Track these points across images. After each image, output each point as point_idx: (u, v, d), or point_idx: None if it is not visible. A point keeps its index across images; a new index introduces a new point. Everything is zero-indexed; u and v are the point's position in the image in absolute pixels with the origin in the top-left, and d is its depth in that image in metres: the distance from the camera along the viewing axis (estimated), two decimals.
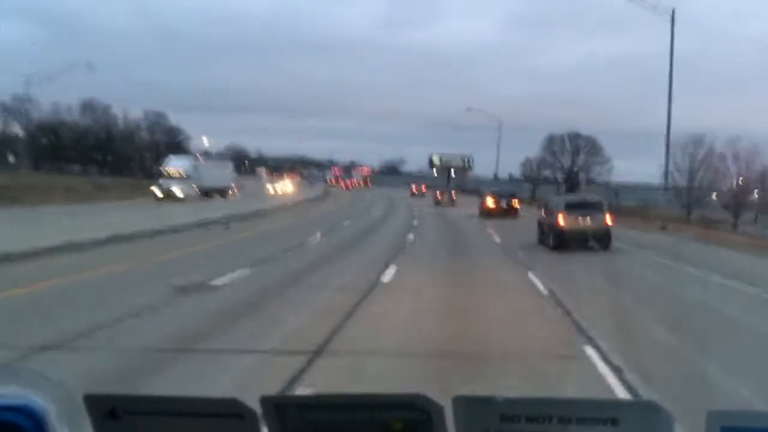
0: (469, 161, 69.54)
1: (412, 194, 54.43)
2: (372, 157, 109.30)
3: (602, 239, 15.68)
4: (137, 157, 59.77)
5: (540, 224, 17.00)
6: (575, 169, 55.77)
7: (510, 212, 26.26)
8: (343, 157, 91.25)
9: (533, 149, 61.15)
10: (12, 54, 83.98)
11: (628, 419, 0.96)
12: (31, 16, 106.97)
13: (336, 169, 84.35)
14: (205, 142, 71.25)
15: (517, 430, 0.99)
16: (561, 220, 15.55)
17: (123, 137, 65.08)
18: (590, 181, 52.02)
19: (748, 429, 0.95)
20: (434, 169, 70.70)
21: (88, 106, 66.81)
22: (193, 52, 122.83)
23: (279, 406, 1.02)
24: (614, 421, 0.96)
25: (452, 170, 67.99)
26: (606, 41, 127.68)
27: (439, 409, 0.98)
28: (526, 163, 60.28)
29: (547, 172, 57.25)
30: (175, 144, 73.29)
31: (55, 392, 1.11)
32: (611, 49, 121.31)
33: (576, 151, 56.07)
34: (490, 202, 27.10)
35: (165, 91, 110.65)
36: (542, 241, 16.35)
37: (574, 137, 56.49)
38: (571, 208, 15.94)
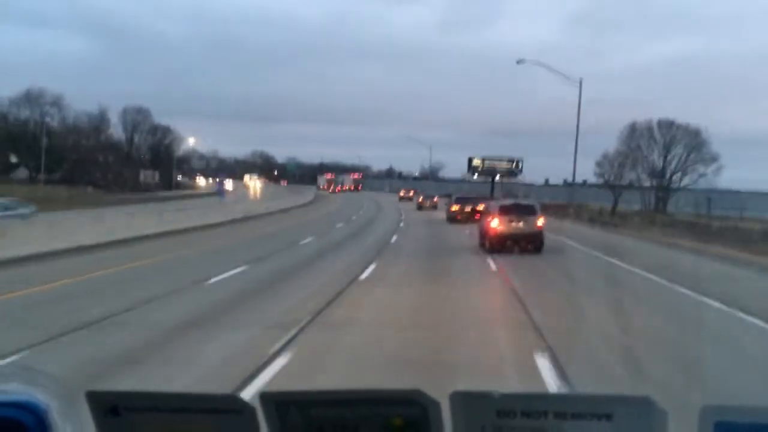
0: (517, 164, 69.01)
1: (401, 198, 71.28)
2: (413, 164, 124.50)
3: (534, 242, 19.86)
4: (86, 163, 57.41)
5: (480, 228, 21.51)
6: (668, 170, 49.19)
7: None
8: (382, 164, 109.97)
9: (591, 155, 58.53)
10: (73, 63, 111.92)
11: (622, 414, 1.15)
12: (87, 27, 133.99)
13: (328, 174, 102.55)
14: (191, 143, 74.24)
15: (513, 426, 1.18)
16: (495, 223, 19.86)
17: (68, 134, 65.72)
18: (678, 188, 47.14)
19: (742, 424, 1.11)
20: (475, 174, 70.45)
21: (32, 98, 65.67)
22: (241, 59, 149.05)
23: (278, 403, 1.22)
24: (608, 417, 1.14)
25: (497, 175, 69.00)
26: (669, 41, 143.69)
27: (437, 405, 1.17)
28: (603, 163, 52.48)
29: (627, 174, 50.64)
30: (159, 147, 75.82)
31: (57, 389, 1.30)
32: (674, 49, 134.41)
33: (669, 146, 49.25)
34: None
35: (201, 99, 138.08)
36: (482, 244, 20.70)
37: (667, 126, 49.10)
38: (504, 212, 20.26)
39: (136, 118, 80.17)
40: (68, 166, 58.13)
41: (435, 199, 51.80)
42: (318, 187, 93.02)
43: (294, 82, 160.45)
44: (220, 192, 52.67)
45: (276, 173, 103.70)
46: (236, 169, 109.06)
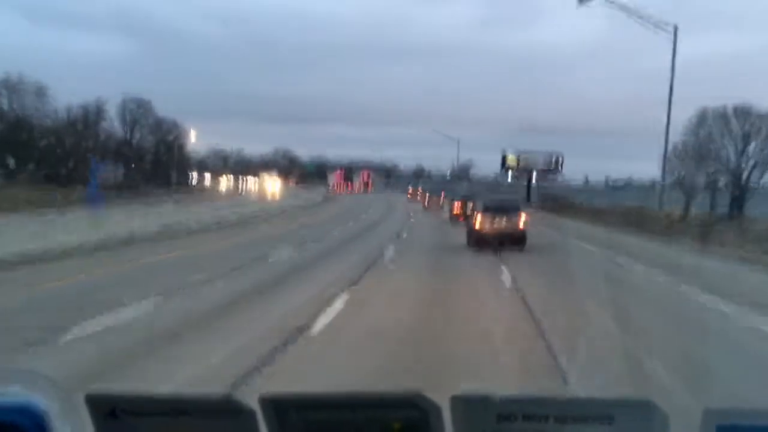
0: (557, 161, 68.22)
1: (409, 198, 73.03)
2: (444, 164, 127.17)
3: (517, 239, 21.19)
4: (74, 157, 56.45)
5: (467, 227, 23.45)
6: (745, 166, 42.28)
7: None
8: (413, 164, 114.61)
9: (639, 156, 52.64)
10: (107, 65, 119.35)
11: (624, 418, 1.24)
12: (123, 28, 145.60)
13: (338, 174, 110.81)
14: (193, 138, 74.12)
15: (514, 429, 1.27)
16: (478, 221, 21.73)
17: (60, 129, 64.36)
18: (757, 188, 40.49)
19: (743, 427, 1.19)
20: (509, 172, 69.62)
21: (10, 86, 64.01)
22: (278, 59, 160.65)
23: (277, 405, 1.32)
24: (610, 420, 1.24)
25: (533, 172, 68.26)
26: (720, 38, 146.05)
27: (437, 408, 1.27)
28: (674, 158, 44.60)
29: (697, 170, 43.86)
30: (166, 142, 75.71)
31: (56, 392, 1.40)
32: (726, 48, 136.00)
33: (747, 137, 42.37)
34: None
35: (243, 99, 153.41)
36: (468, 242, 22.15)
37: (744, 113, 42.27)
38: (487, 210, 21.96)
39: (136, 111, 77.87)
40: (49, 164, 57.10)
41: (442, 199, 50.61)
42: (329, 187, 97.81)
43: (327, 83, 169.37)
44: (93, 200, 32.23)
45: (284, 173, 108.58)
46: (257, 168, 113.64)
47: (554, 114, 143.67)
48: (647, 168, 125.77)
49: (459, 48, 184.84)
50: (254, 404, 1.32)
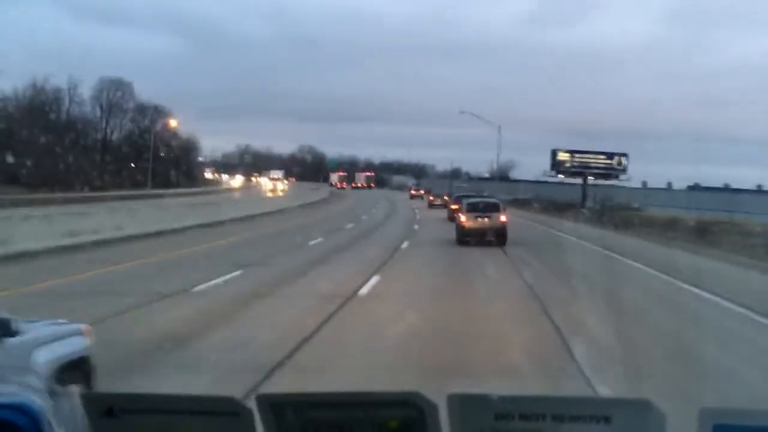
0: (620, 161, 67.58)
1: (412, 197, 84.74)
2: (482, 165, 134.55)
3: (499, 234, 27.22)
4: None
5: (455, 224, 29.97)
6: None
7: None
8: (453, 164, 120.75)
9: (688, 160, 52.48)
10: (154, 63, 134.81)
11: (621, 417, 1.40)
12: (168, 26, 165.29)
13: (341, 171, 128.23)
14: (173, 123, 73.79)
15: (511, 428, 1.43)
16: (463, 219, 28.09)
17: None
18: None
19: (740, 426, 1.35)
20: (561, 173, 69.40)
21: None
22: (323, 58, 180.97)
23: (274, 405, 1.49)
24: (607, 419, 1.40)
25: (589, 175, 67.56)
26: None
27: (434, 407, 1.44)
28: None
29: None
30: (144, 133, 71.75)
31: (52, 391, 1.62)
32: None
33: None
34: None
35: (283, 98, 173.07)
36: (457, 237, 28.29)
37: None
38: (471, 209, 28.45)
39: (114, 95, 75.98)
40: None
41: (446, 198, 59.04)
42: (330, 184, 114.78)
43: (368, 82, 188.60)
44: None
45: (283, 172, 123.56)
46: (277, 165, 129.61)
47: (605, 115, 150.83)
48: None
49: (505, 46, 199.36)
50: (251, 404, 1.50)
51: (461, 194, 45.39)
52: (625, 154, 69.16)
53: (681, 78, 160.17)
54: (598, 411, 1.42)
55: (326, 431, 1.49)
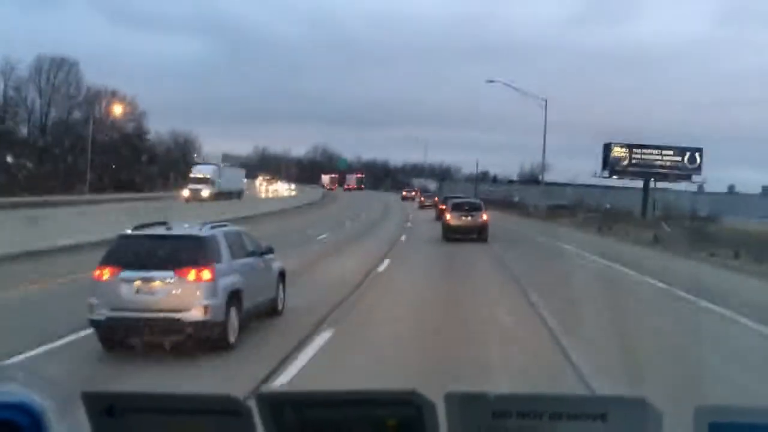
0: (693, 157, 54.13)
1: (404, 198, 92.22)
2: (511, 169, 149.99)
3: (480, 231, 32.34)
4: None
5: (442, 221, 36.34)
6: None
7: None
8: (482, 168, 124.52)
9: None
10: (188, 66, 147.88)
11: (617, 415, 1.49)
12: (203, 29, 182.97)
13: (332, 173, 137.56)
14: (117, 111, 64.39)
15: (508, 427, 1.53)
16: (448, 217, 33.55)
17: None
18: None
19: (735, 424, 1.43)
20: (616, 174, 59.69)
21: None
22: (353, 61, 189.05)
23: (274, 404, 1.60)
24: (603, 417, 1.48)
25: (651, 176, 57.67)
26: None
27: (432, 406, 1.55)
28: None
29: None
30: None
31: (53, 390, 1.66)
32: None
33: None
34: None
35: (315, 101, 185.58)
36: (443, 234, 34.00)
37: None
38: (456, 208, 33.82)
39: (56, 75, 64.07)
40: None
41: (435, 200, 66.35)
42: (322, 186, 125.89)
43: (404, 85, 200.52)
44: None
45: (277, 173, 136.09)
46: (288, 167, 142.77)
47: (651, 119, 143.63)
48: None
49: (544, 47, 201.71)
50: (251, 402, 1.61)
51: (448, 195, 50.86)
52: (699, 149, 56.49)
53: (734, 77, 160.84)
54: (595, 409, 1.51)
55: (325, 430, 1.59)
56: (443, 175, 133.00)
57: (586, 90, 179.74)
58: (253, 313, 11.59)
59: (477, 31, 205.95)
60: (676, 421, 1.62)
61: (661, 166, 57.60)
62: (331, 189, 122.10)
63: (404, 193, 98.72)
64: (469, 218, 32.01)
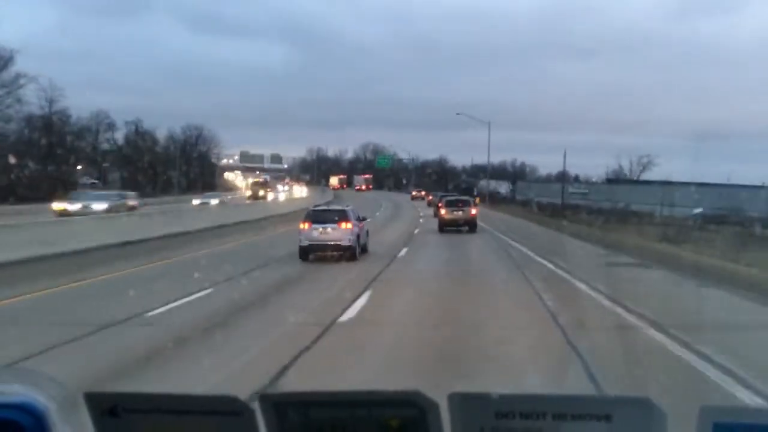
0: None
1: (413, 197, 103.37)
2: (599, 169, 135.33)
3: (470, 225, 40.42)
4: None
5: (437, 215, 46.03)
6: None
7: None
8: (549, 168, 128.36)
9: None
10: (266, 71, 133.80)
11: (622, 415, 1.49)
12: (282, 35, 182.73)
13: (341, 174, 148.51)
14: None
15: (511, 427, 1.53)
16: (442, 212, 42.13)
17: None
18: None
19: (740, 424, 1.41)
20: None
21: None
22: (436, 62, 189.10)
23: (277, 404, 1.61)
24: (608, 418, 1.48)
25: None
26: None
27: (435, 406, 1.56)
28: None
29: None
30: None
31: (56, 390, 1.69)
32: None
33: None
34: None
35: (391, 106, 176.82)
36: (438, 228, 42.44)
37: None
38: (448, 203, 42.55)
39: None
40: None
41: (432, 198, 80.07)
42: (330, 187, 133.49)
43: (490, 85, 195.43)
44: None
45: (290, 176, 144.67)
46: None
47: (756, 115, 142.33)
48: None
49: (644, 42, 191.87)
50: (254, 403, 1.62)
51: (442, 194, 58.55)
52: None
53: None
54: (599, 409, 1.50)
55: (328, 431, 1.59)
56: (516, 175, 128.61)
57: (685, 84, 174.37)
58: (361, 248, 26.06)
59: (569, 27, 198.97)
60: (680, 421, 1.62)
61: None
62: (342, 188, 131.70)
63: (413, 192, 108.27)
64: (461, 213, 39.88)
